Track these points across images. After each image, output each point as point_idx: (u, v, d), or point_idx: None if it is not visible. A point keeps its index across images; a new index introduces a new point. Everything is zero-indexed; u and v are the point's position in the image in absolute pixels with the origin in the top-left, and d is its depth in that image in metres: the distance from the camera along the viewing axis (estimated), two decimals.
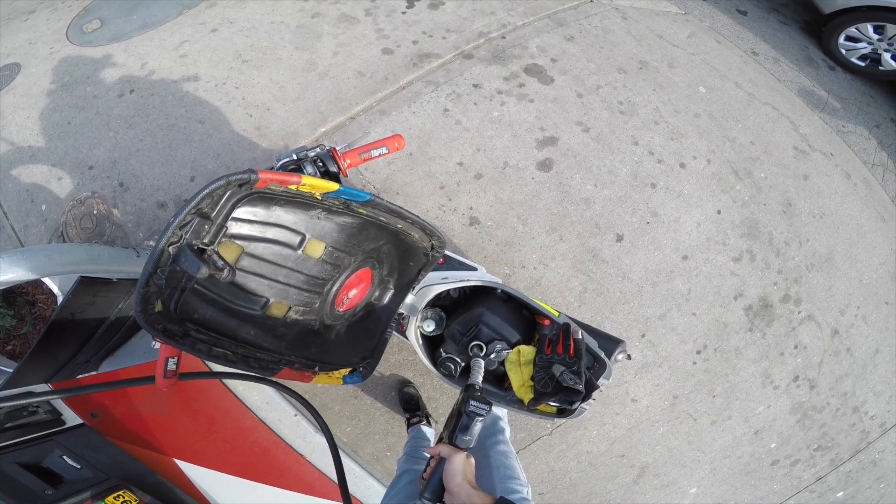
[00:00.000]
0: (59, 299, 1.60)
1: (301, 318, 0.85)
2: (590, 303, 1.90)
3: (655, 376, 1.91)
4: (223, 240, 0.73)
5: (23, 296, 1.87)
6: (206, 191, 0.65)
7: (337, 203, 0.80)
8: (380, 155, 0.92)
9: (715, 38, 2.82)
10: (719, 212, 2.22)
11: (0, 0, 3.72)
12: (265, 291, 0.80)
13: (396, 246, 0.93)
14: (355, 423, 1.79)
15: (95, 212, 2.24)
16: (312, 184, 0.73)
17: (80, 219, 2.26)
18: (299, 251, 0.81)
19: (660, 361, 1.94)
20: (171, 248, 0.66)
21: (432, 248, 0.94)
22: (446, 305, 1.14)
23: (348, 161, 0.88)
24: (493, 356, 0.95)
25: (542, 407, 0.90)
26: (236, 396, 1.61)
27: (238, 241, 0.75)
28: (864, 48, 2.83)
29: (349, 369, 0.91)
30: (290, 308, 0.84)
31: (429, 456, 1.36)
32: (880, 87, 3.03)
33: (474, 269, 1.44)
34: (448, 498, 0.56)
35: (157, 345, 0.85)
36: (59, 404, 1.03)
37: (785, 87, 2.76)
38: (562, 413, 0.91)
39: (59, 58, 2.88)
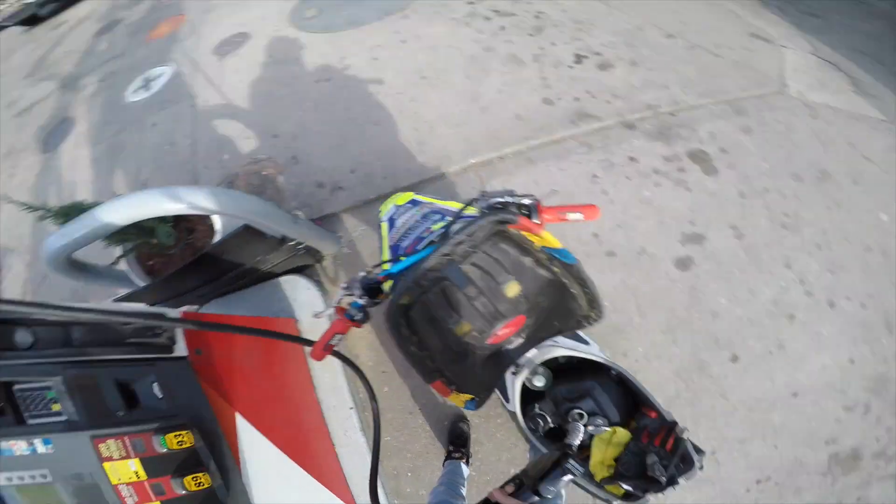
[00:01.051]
0: (217, 236, 1.64)
1: (469, 340, 0.84)
2: (676, 409, 1.56)
3: (703, 494, 1.55)
4: (467, 264, 0.75)
5: (186, 222, 1.77)
6: (486, 220, 0.69)
7: (545, 257, 0.79)
8: (575, 220, 0.85)
9: None
10: (852, 361, 1.69)
11: None
12: (462, 310, 0.79)
13: (556, 305, 0.87)
14: (397, 435, 1.63)
15: (265, 173, 2.27)
16: (547, 239, 0.74)
17: (250, 175, 2.29)
18: (501, 286, 0.80)
19: (715, 481, 1.56)
20: (444, 258, 0.68)
21: (587, 317, 0.89)
22: (552, 367, 1.06)
23: (547, 216, 0.83)
24: (590, 428, 0.88)
25: (611, 487, 0.82)
26: (311, 372, 1.50)
27: (467, 265, 0.77)
28: None
29: (471, 396, 0.90)
30: (470, 330, 0.82)
31: (463, 494, 1.21)
32: None
33: (587, 343, 1.23)
34: None
35: (324, 316, 0.88)
36: (177, 333, 0.96)
37: None
38: (628, 497, 0.82)
39: (279, 36, 2.97)
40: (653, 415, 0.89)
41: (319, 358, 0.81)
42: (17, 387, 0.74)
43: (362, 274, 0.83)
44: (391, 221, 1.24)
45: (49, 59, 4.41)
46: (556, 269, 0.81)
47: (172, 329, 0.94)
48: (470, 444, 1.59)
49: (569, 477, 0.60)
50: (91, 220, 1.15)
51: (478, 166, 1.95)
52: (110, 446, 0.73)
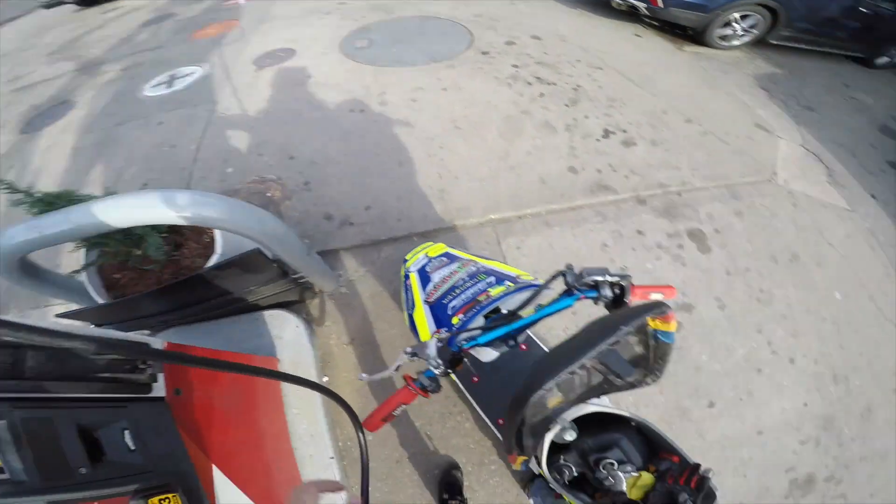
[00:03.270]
0: (214, 258, 1.53)
1: (553, 408, 0.87)
2: None
3: None
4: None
5: (178, 235, 1.66)
6: (655, 312, 0.73)
7: (650, 335, 0.81)
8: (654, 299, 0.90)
9: (870, 242, 2.73)
10: (806, 405, 2.31)
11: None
12: (561, 384, 0.81)
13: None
14: (381, 485, 1.66)
15: (269, 194, 2.27)
16: (670, 325, 0.78)
17: (252, 194, 2.27)
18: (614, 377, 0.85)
19: None
20: (608, 348, 0.70)
21: (639, 382, 0.95)
22: (576, 420, 1.21)
23: (635, 296, 0.88)
24: (620, 475, 1.02)
25: None
26: (287, 419, 1.48)
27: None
28: None
29: (525, 458, 0.95)
30: (560, 402, 0.85)
31: None
32: None
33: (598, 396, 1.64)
34: None
35: (375, 379, 0.82)
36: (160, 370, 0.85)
37: None
38: None
39: (323, 59, 3.22)
40: (675, 459, 1.04)
41: (375, 429, 0.79)
42: None
43: (439, 344, 0.82)
44: (423, 274, 1.25)
45: (81, 41, 4.51)
46: (651, 344, 0.83)
47: (159, 364, 0.81)
48: (464, 491, 1.67)
49: None
50: (80, 215, 0.99)
51: (495, 222, 2.25)
52: None
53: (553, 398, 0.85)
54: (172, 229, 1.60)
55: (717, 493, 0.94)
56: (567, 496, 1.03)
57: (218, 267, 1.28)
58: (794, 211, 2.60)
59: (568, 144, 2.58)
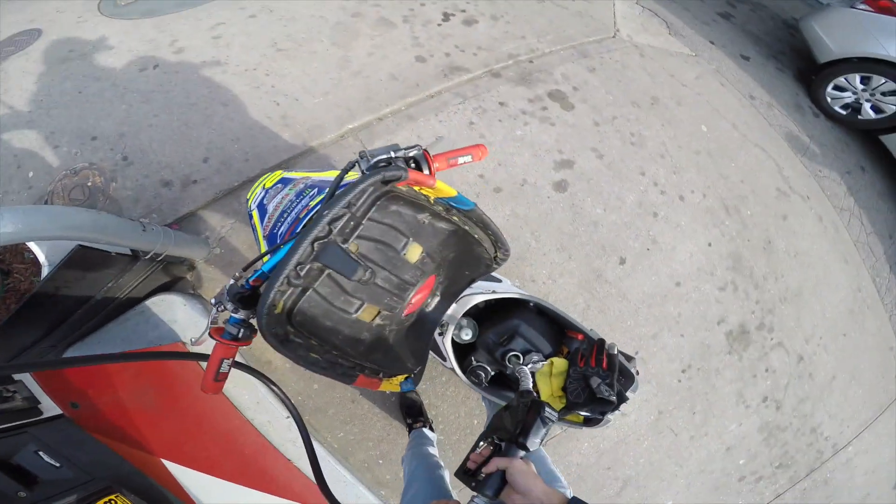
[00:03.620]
0: (45, 271, 1.43)
1: (381, 322, 0.81)
2: (592, 320, 1.94)
3: (644, 392, 1.98)
4: (353, 240, 0.68)
5: None
6: (363, 184, 0.60)
7: (441, 208, 0.77)
8: (464, 163, 0.88)
9: (719, 80, 2.91)
10: (710, 244, 2.31)
11: None
12: (363, 294, 0.75)
13: (461, 254, 0.89)
14: (349, 427, 1.68)
15: (90, 183, 2.06)
16: (441, 188, 0.69)
17: (70, 189, 2.07)
18: (401, 254, 0.76)
19: (649, 378, 2.00)
20: (316, 244, 0.61)
21: (495, 258, 0.92)
22: (474, 315, 1.13)
23: (437, 165, 0.84)
24: (528, 366, 0.95)
25: (570, 416, 0.92)
26: (226, 396, 1.49)
27: (355, 240, 0.70)
28: (848, 97, 3.00)
29: (405, 376, 0.89)
30: (378, 313, 0.79)
31: (434, 453, 1.36)
32: (855, 135, 3.21)
33: (499, 280, 1.45)
34: (520, 498, 0.54)
35: (202, 339, 0.80)
36: (38, 391, 0.88)
37: (774, 130, 2.88)
38: (588, 422, 0.93)
39: (84, 27, 2.72)
40: (580, 337, 0.99)
41: (214, 391, 0.74)
42: None
43: (231, 282, 0.75)
44: (261, 208, 1.18)
45: None
46: (455, 219, 0.80)
47: (24, 389, 0.85)
48: (425, 409, 1.72)
49: (549, 425, 0.64)
50: None
51: (356, 130, 2.09)
52: None
53: (365, 311, 0.77)
54: None
55: (633, 365, 0.95)
56: (490, 398, 1.03)
57: (51, 279, 1.19)
58: (642, 61, 2.66)
59: (410, 35, 2.39)
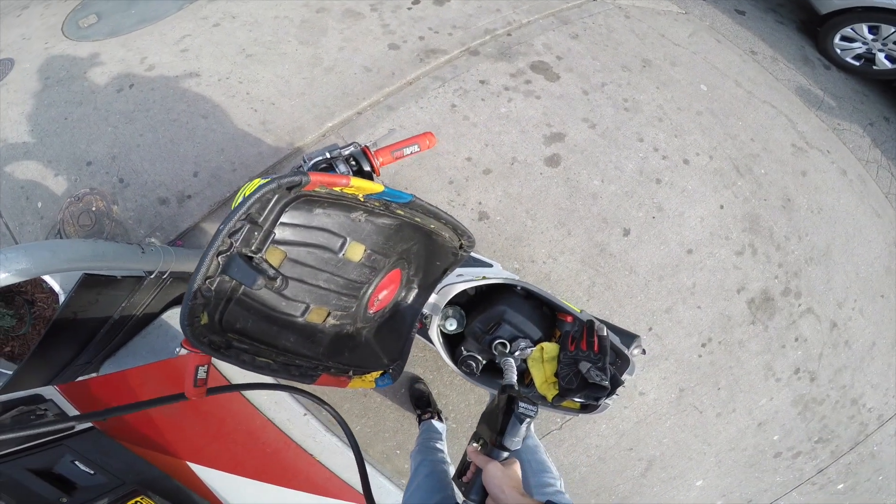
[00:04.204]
0: (61, 298, 1.56)
1: (338, 322, 0.83)
2: (598, 297, 1.87)
3: (662, 369, 1.90)
4: (270, 246, 0.69)
5: (21, 295, 1.80)
6: (257, 195, 0.61)
7: (377, 204, 0.77)
8: (412, 153, 0.90)
9: (715, 37, 2.81)
10: (722, 207, 2.21)
11: None
12: (306, 297, 0.77)
13: (425, 246, 0.91)
14: (365, 421, 1.74)
15: (94, 208, 2.17)
16: (359, 185, 0.70)
17: (77, 216, 2.19)
18: (340, 254, 0.78)
19: (666, 354, 1.92)
20: (220, 258, 0.63)
21: (461, 247, 0.93)
22: (464, 303, 1.11)
23: (381, 159, 0.86)
24: (517, 354, 0.93)
25: (566, 403, 0.89)
26: (245, 397, 1.56)
27: (281, 247, 0.72)
28: (858, 48, 2.84)
29: (380, 372, 0.89)
30: (329, 313, 0.81)
31: (441, 448, 1.35)
32: (874, 85, 3.04)
33: (489, 265, 1.40)
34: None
35: (181, 352, 0.82)
36: (68, 407, 0.98)
37: (783, 85, 2.75)
38: (585, 409, 0.91)
39: (54, 53, 2.78)
40: (569, 319, 0.97)
41: (197, 396, 0.77)
42: None
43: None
44: None
45: None
46: (400, 213, 0.81)
47: (54, 406, 0.96)
48: (433, 400, 1.73)
49: (527, 421, 0.63)
50: None
51: (336, 128, 2.07)
52: None
53: (313, 313, 0.79)
54: (5, 294, 1.72)
55: (638, 343, 0.94)
56: (481, 388, 1.02)
57: (67, 306, 1.27)
58: (628, 22, 2.58)
59: (380, 23, 2.36)
